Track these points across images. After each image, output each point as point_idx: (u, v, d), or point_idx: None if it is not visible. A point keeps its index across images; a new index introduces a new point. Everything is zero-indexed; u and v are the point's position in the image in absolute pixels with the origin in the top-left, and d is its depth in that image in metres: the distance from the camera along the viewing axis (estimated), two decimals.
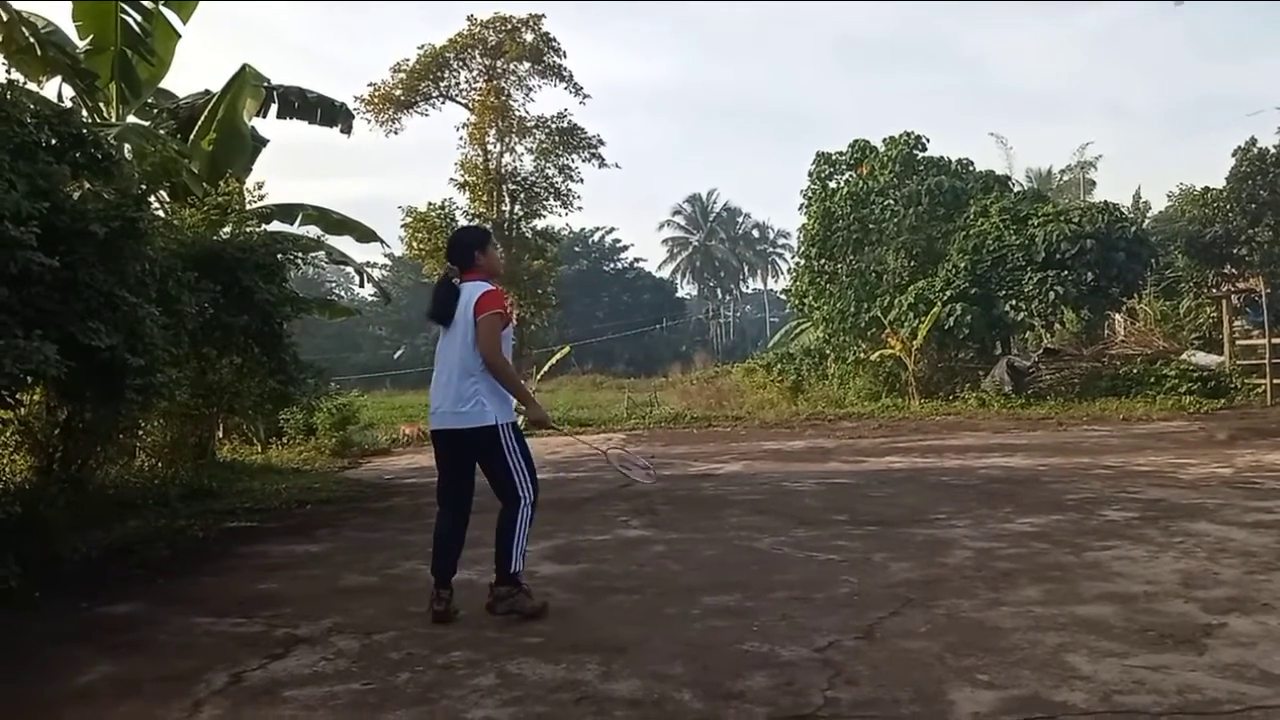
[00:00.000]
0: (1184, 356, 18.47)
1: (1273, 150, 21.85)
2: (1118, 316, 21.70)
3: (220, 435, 13.04)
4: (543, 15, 25.78)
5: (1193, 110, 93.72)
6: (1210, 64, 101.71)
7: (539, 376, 23.16)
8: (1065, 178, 38.49)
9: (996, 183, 24.27)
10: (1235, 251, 21.27)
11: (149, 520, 7.92)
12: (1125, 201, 31.23)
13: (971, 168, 24.25)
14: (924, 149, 24.13)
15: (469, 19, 25.76)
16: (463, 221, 25.77)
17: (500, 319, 4.63)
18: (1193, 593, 4.66)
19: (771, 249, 75.74)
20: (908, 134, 24.29)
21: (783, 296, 38.90)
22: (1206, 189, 23.21)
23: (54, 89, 10.71)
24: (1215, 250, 21.69)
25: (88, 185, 6.85)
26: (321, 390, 11.99)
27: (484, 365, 4.58)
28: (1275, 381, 16.58)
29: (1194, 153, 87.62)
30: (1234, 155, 21.95)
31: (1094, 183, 37.24)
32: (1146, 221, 29.08)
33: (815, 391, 23.10)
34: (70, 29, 10.87)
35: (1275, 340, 16.96)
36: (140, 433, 9.48)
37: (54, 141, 6.36)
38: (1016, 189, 25.65)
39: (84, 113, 10.36)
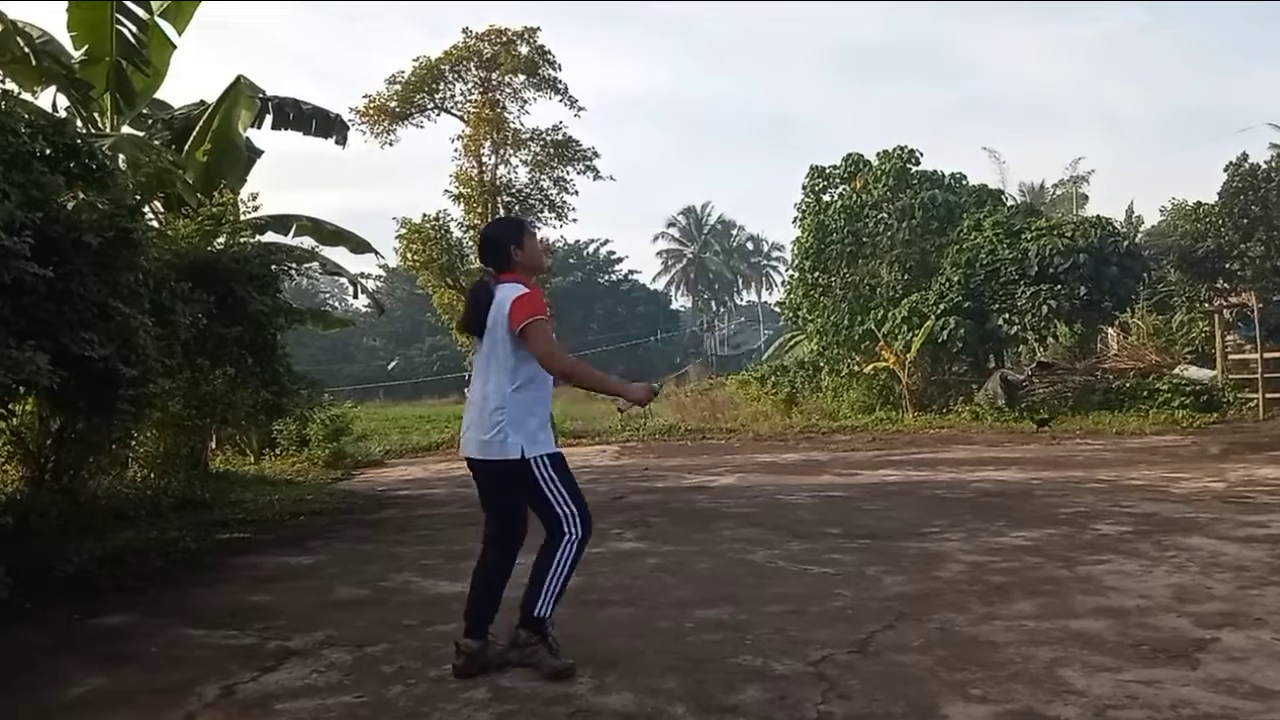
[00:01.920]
0: (1177, 371, 18.51)
1: (1264, 166, 21.96)
2: (1111, 330, 21.76)
3: (213, 446, 13.01)
4: (538, 28, 25.79)
5: (1185, 125, 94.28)
6: (1202, 79, 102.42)
7: None
8: (1058, 192, 38.69)
9: (990, 197, 24.34)
10: (1227, 266, 21.33)
11: (141, 531, 7.89)
12: (1118, 216, 31.41)
13: (965, 182, 24.32)
14: (917, 163, 24.20)
15: (464, 31, 25.75)
16: (457, 233, 25.75)
17: (546, 324, 4.03)
18: (1186, 607, 4.66)
19: (766, 262, 75.96)
20: (901, 148, 24.36)
21: (777, 309, 38.95)
22: (1199, 204, 23.28)
23: (49, 99, 10.73)
24: (1208, 265, 21.75)
25: (82, 195, 6.85)
26: (315, 401, 11.99)
27: (555, 374, 4.03)
28: (1268, 396, 16.63)
29: (1186, 168, 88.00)
30: (1226, 170, 22.04)
31: (1087, 197, 37.45)
32: (1139, 236, 29.18)
33: (809, 404, 23.11)
34: (65, 39, 10.90)
35: (1267, 355, 17.03)
36: (133, 443, 9.46)
37: (48, 151, 6.36)
38: (1009, 203, 25.71)
39: (79, 123, 10.37)
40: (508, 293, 4.01)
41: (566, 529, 4.00)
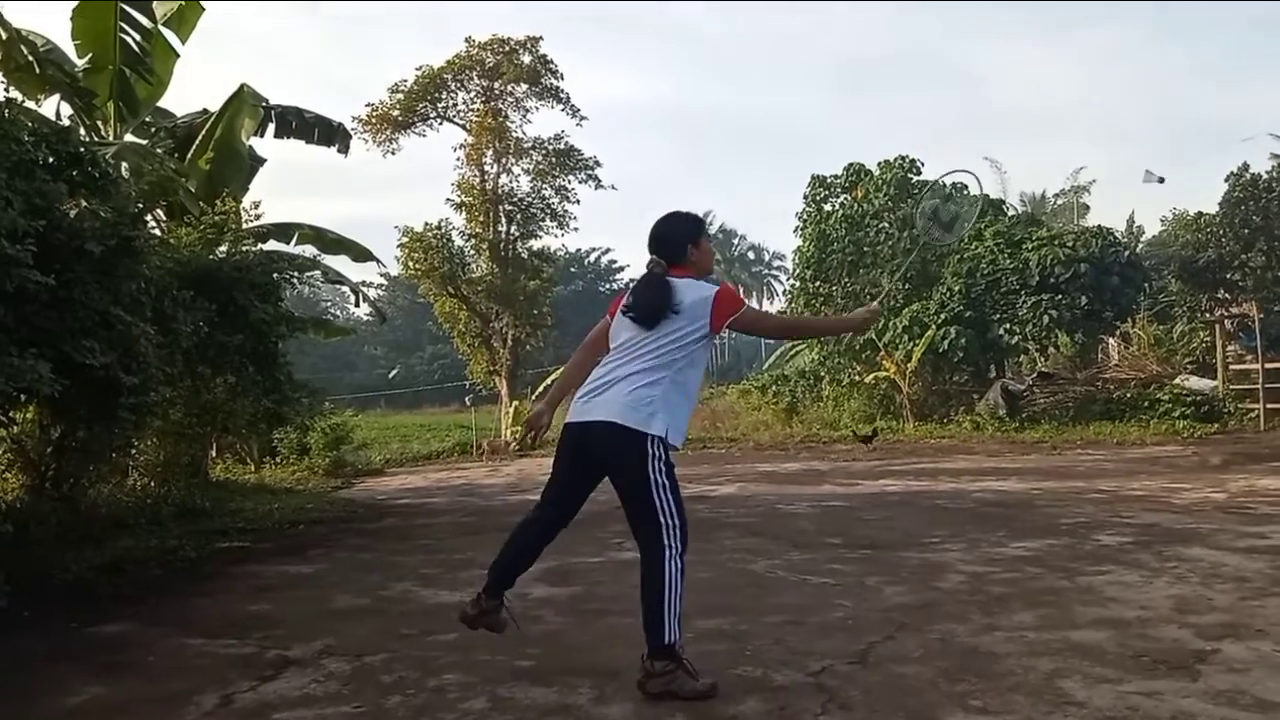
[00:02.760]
0: (1178, 381, 18.49)
1: (1265, 176, 21.98)
2: (1111, 341, 21.75)
3: (214, 454, 13.01)
4: (540, 38, 25.90)
5: (1186, 135, 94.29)
6: (1204, 89, 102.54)
7: (533, 396, 23.14)
8: (1059, 201, 38.72)
9: (991, 206, 24.38)
10: (1228, 276, 21.36)
11: (141, 539, 7.88)
12: (1119, 225, 31.41)
13: (966, 191, 24.31)
14: (918, 172, 24.24)
15: (467, 40, 25.88)
16: (459, 242, 25.78)
17: (745, 307, 4.09)
18: (1186, 618, 4.65)
19: (767, 271, 76.02)
20: (902, 158, 24.41)
21: None
22: (1200, 214, 23.31)
23: (52, 107, 10.77)
24: (1208, 275, 21.78)
25: (84, 203, 6.87)
26: (315, 410, 11.99)
27: (783, 334, 4.13)
28: (1269, 406, 16.61)
29: (1188, 177, 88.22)
30: (1227, 180, 22.08)
31: (1088, 207, 37.47)
32: (1140, 246, 29.25)
33: (810, 413, 23.09)
34: (69, 47, 10.94)
35: (1268, 365, 17.02)
36: (133, 451, 9.46)
37: (51, 159, 6.38)
38: (1010, 213, 25.76)
39: (82, 131, 10.41)
40: (701, 288, 3.95)
41: (666, 540, 3.75)
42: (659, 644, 3.70)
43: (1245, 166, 22.20)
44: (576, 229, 28.08)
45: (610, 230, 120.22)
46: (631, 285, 4.21)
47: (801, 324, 3.79)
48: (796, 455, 16.23)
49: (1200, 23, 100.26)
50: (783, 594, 5.60)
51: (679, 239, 4.11)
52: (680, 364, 3.90)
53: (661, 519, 3.76)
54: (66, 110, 10.88)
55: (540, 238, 27.03)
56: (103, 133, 11.25)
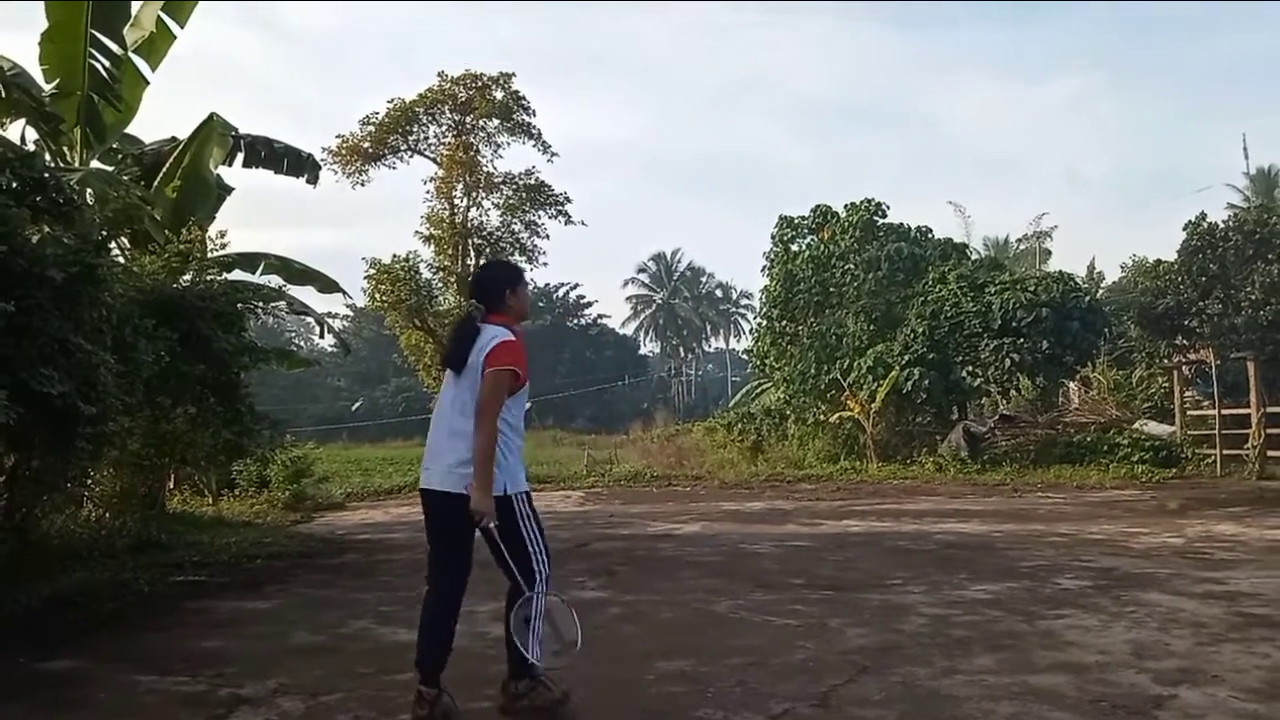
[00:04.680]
0: (1137, 426, 18.75)
1: (1222, 225, 22.45)
2: (1072, 384, 22.04)
3: (171, 486, 12.80)
4: (513, 74, 26.08)
5: (1146, 183, 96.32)
6: (1161, 140, 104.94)
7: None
8: (1021, 246, 39.29)
9: (955, 250, 24.75)
10: (1186, 323, 21.71)
11: (94, 572, 7.72)
12: (1080, 271, 31.91)
13: (930, 235, 24.72)
14: (884, 215, 24.61)
15: (440, 75, 26.00)
16: (426, 274, 25.74)
17: (512, 377, 3.99)
18: (1144, 663, 4.69)
19: (734, 309, 76.43)
20: (868, 200, 24.78)
21: (744, 356, 39.13)
22: (1159, 261, 23.75)
23: (17, 131, 10.65)
24: (1167, 321, 22.14)
25: (47, 229, 6.79)
26: (277, 442, 11.85)
27: (477, 429, 3.91)
28: (1225, 452, 16.85)
29: (1146, 225, 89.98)
30: (1185, 229, 22.52)
31: (1049, 252, 38.05)
32: (1100, 291, 29.69)
33: (775, 452, 23.16)
34: (37, 71, 10.84)
35: (1225, 412, 17.29)
36: (89, 482, 9.30)
37: (14, 184, 6.32)
38: (974, 257, 26.14)
39: (47, 156, 10.29)
40: (496, 333, 4.06)
41: (536, 567, 4.00)
42: (524, 666, 4.01)
43: (1203, 216, 22.68)
44: (546, 264, 28.17)
45: (579, 266, 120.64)
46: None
47: (485, 446, 3.76)
48: (761, 494, 16.24)
49: (1159, 72, 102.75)
50: (745, 635, 5.59)
51: (498, 285, 4.27)
52: (507, 408, 4.03)
53: (530, 549, 4.02)
54: (32, 135, 10.77)
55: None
56: (68, 158, 11.13)
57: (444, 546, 4.10)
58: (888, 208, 24.70)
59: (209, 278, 10.40)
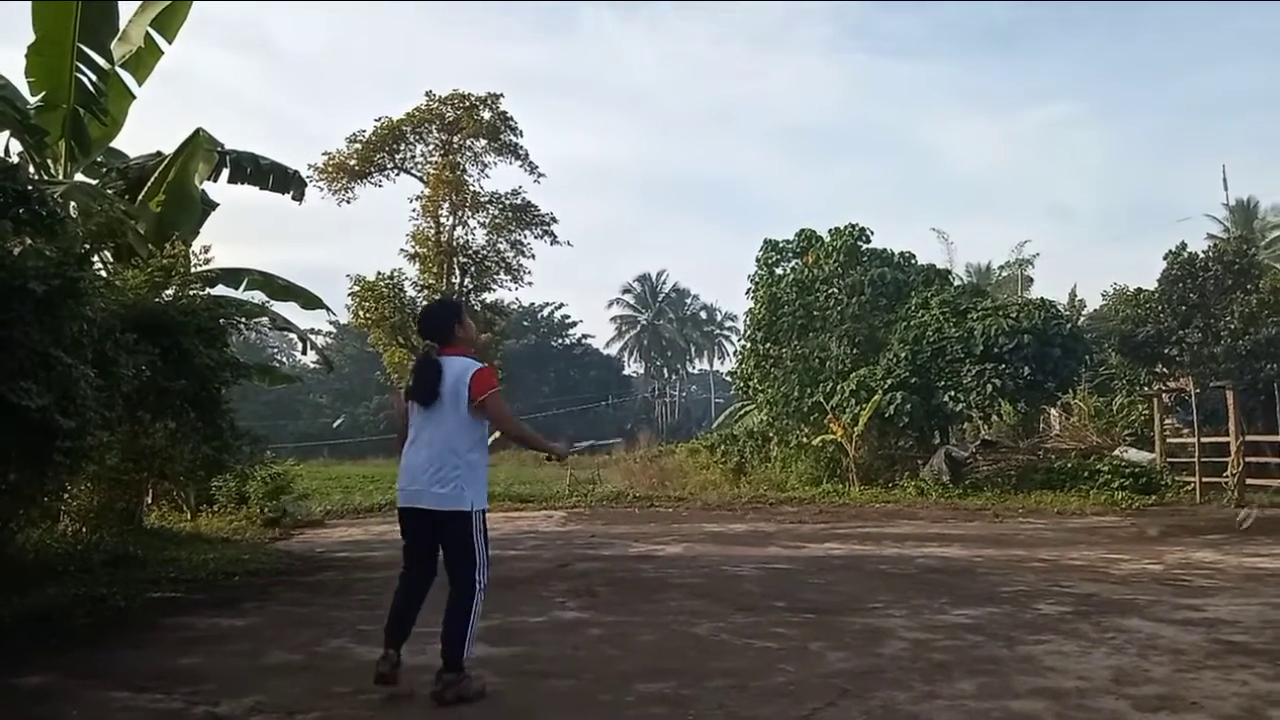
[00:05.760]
0: (1117, 452, 18.86)
1: (1202, 255, 22.69)
2: (1053, 411, 22.15)
3: (149, 501, 12.68)
4: (501, 94, 26.18)
5: (1127, 212, 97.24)
6: (1144, 169, 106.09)
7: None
8: (1004, 273, 39.57)
9: (937, 276, 24.90)
10: (1166, 351, 21.89)
11: (69, 587, 7.63)
12: (1061, 299, 32.18)
13: (913, 260, 24.88)
14: (868, 240, 24.75)
15: (427, 94, 26.07)
16: (411, 292, 25.72)
17: (500, 394, 4.76)
18: (1124, 689, 4.70)
19: (718, 331, 76.60)
20: (852, 225, 24.92)
21: (728, 378, 39.19)
22: (1139, 290, 23.96)
23: (1, 143, 10.60)
24: (1147, 349, 22.32)
25: (29, 242, 6.75)
26: (257, 458, 11.77)
27: (509, 437, 5.01)
28: (1204, 480, 16.97)
29: (1127, 254, 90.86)
30: (1165, 259, 22.75)
31: (1031, 279, 38.33)
32: (1081, 319, 29.91)
33: (758, 474, 23.18)
34: (22, 84, 10.80)
35: (1204, 439, 17.42)
36: (66, 496, 9.20)
37: None
38: (957, 283, 26.31)
39: (31, 169, 10.24)
40: (465, 365, 4.66)
41: (478, 576, 4.57)
42: (457, 660, 4.50)
43: (1183, 246, 22.92)
44: (531, 283, 28.22)
45: (564, 285, 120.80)
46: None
47: (529, 435, 4.61)
48: (744, 516, 16.22)
49: (1140, 106, 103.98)
50: (726, 657, 5.57)
51: (446, 321, 4.86)
52: (474, 433, 4.70)
53: (477, 561, 4.59)
54: (16, 147, 10.72)
55: (494, 290, 27.08)
56: (53, 171, 11.08)
57: (422, 549, 4.72)
58: (872, 233, 24.89)
59: (192, 292, 10.34)
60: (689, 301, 77.39)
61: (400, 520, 4.80)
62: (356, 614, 7.13)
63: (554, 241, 27.21)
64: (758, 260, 26.23)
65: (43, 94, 10.68)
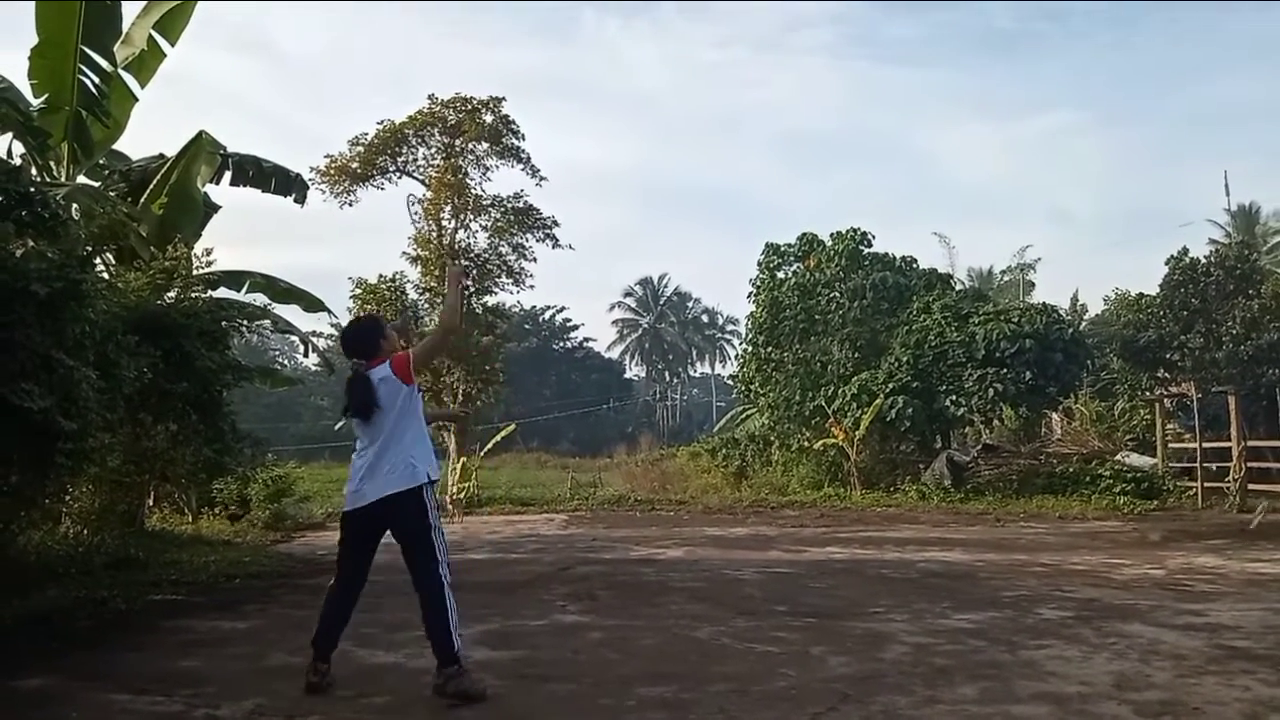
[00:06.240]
0: (1118, 457, 18.85)
1: (1203, 260, 22.67)
2: (1055, 415, 22.15)
3: (150, 503, 12.68)
4: (503, 98, 26.13)
5: (1129, 218, 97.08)
6: (1146, 174, 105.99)
7: (483, 453, 22.97)
8: (1005, 278, 39.58)
9: (939, 280, 24.88)
10: (1168, 356, 21.85)
11: (70, 589, 7.64)
12: (1063, 303, 32.12)
13: (915, 265, 24.87)
14: (869, 244, 24.73)
15: (430, 98, 26.03)
16: (413, 295, 25.69)
17: (411, 351, 4.97)
18: (1125, 695, 4.69)
19: (720, 335, 76.55)
20: (854, 229, 24.90)
21: (729, 382, 39.18)
22: (1141, 295, 23.93)
23: (4, 145, 10.62)
24: (1149, 354, 22.28)
25: (32, 244, 6.75)
26: (258, 461, 11.77)
27: (444, 341, 5.39)
28: (1206, 485, 16.95)
29: (1129, 259, 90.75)
30: (1167, 264, 22.72)
31: (1033, 284, 38.35)
32: (1083, 324, 29.86)
33: (759, 478, 23.16)
34: (25, 86, 10.82)
35: (1206, 444, 17.40)
36: (67, 498, 9.21)
37: (0, 199, 6.29)
38: (958, 287, 26.28)
39: (33, 171, 10.25)
40: (386, 369, 4.83)
41: (442, 572, 4.68)
42: (450, 655, 4.56)
43: (1185, 251, 22.89)
44: (533, 286, 28.14)
45: (566, 289, 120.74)
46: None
47: (439, 340, 5.20)
48: (745, 520, 16.21)
49: (1142, 113, 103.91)
50: (727, 662, 5.56)
51: (370, 337, 5.10)
52: (421, 418, 4.92)
53: (438, 554, 4.70)
54: (19, 149, 10.73)
55: (495, 294, 27.04)
56: (55, 173, 11.09)
57: (361, 554, 4.92)
58: (873, 237, 24.87)
59: (194, 295, 10.35)
60: (690, 305, 77.41)
61: (342, 527, 4.95)
62: (357, 617, 7.07)
63: (556, 245, 27.14)
64: (759, 264, 26.23)
65: (45, 96, 10.69)
